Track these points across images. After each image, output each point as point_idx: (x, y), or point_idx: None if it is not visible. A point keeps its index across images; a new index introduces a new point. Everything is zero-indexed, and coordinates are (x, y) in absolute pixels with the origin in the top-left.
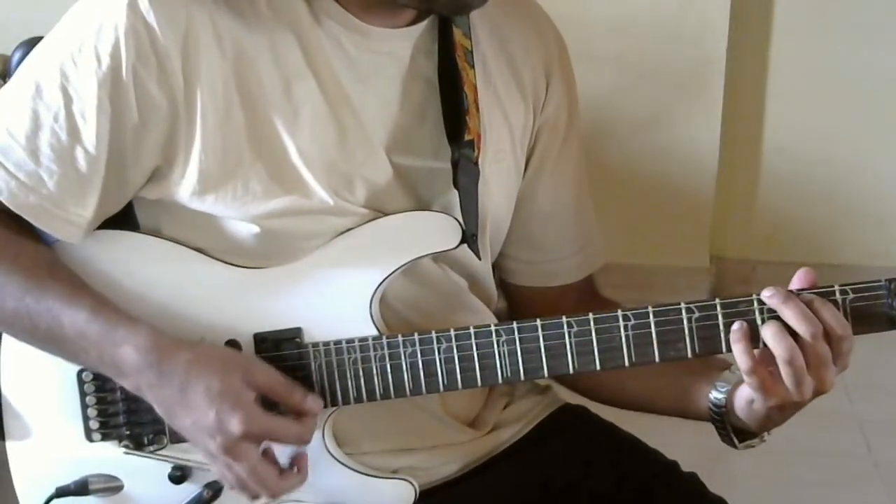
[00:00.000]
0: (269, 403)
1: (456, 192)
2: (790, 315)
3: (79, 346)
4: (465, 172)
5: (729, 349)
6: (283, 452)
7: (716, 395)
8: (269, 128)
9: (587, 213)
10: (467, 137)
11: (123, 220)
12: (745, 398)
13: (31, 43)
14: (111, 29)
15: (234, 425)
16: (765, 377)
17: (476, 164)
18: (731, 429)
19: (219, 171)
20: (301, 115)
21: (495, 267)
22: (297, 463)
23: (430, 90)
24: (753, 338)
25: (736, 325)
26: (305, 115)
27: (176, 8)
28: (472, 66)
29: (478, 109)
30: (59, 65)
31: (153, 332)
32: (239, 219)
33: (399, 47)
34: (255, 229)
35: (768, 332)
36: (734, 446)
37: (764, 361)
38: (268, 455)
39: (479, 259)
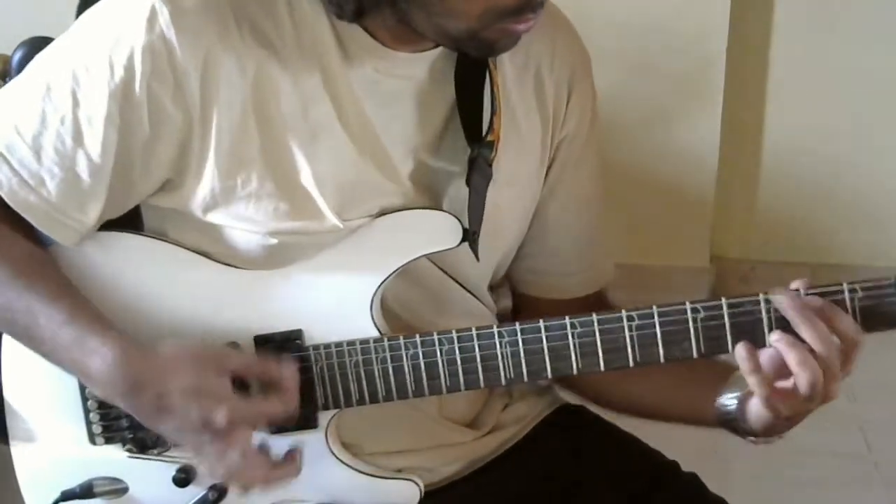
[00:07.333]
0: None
1: (465, 192)
2: (808, 335)
3: (52, 348)
4: (479, 171)
5: (734, 349)
6: (278, 447)
7: (723, 401)
8: (284, 150)
9: (600, 228)
10: (489, 138)
11: (128, 220)
12: (756, 409)
13: (32, 43)
14: (128, 41)
15: (219, 416)
16: (778, 399)
17: (490, 165)
18: (744, 431)
19: (231, 189)
20: (319, 139)
21: (507, 275)
22: (291, 455)
23: (449, 108)
24: (757, 339)
25: (743, 353)
26: (323, 140)
27: (198, 28)
28: (497, 67)
29: (502, 110)
30: (71, 69)
31: (122, 343)
32: (250, 231)
33: (420, 70)
34: (265, 241)
35: (793, 359)
36: (752, 442)
37: (775, 373)
38: (260, 449)
39: (478, 260)
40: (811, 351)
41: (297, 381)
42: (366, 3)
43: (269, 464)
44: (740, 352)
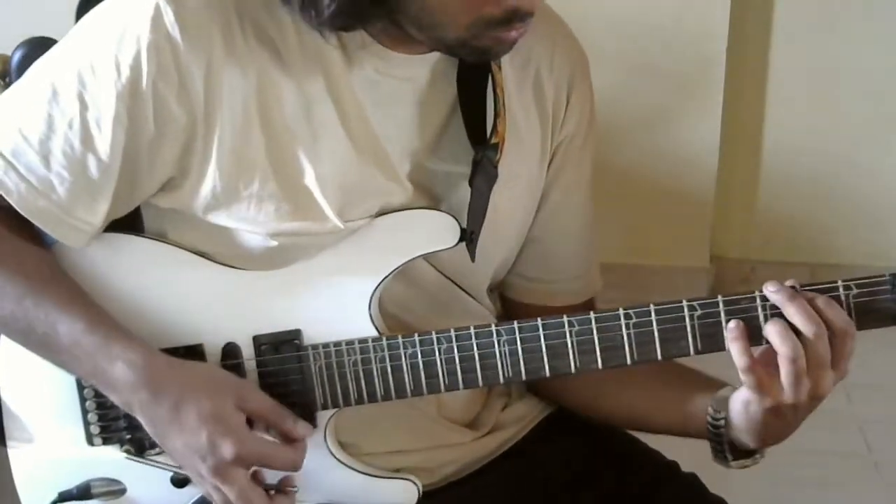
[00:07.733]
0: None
1: (467, 193)
2: (794, 313)
3: (72, 356)
4: (483, 173)
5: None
6: (271, 473)
7: (712, 409)
8: (287, 152)
9: (592, 236)
10: (493, 140)
11: (128, 221)
12: (742, 400)
13: (32, 43)
14: (133, 41)
15: (226, 449)
16: (761, 376)
17: (496, 166)
18: (728, 445)
19: (232, 190)
20: (320, 140)
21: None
22: (285, 485)
23: (450, 110)
24: (752, 336)
25: (732, 324)
26: (325, 141)
27: (203, 27)
28: (500, 68)
29: (505, 112)
30: (77, 71)
31: (148, 351)
32: (250, 232)
33: (420, 72)
34: (266, 242)
35: (773, 330)
36: (727, 464)
37: (762, 361)
38: (256, 478)
39: (473, 261)
40: (797, 332)
41: (308, 443)
42: (350, 18)
43: (266, 498)
44: (731, 328)
